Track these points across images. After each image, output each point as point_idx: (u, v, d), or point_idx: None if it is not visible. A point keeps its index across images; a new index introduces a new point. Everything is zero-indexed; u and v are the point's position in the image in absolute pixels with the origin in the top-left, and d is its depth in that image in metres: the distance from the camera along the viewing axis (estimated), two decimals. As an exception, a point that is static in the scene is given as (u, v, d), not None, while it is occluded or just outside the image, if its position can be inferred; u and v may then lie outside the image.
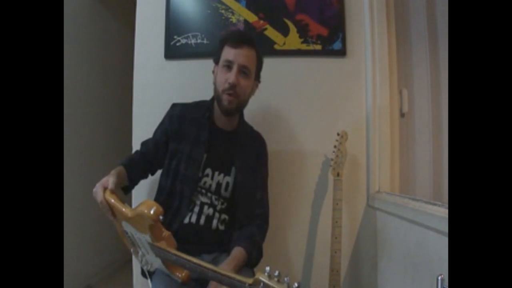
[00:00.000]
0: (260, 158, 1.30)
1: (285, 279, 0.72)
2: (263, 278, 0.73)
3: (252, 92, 1.25)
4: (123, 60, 2.65)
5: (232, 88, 1.15)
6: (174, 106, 1.28)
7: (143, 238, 1.01)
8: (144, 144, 1.29)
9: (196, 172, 1.18)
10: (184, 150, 1.20)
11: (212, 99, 1.25)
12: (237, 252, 1.09)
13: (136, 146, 1.50)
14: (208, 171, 1.20)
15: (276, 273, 0.73)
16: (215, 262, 1.15)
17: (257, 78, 1.26)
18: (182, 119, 1.23)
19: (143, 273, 1.18)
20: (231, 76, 1.14)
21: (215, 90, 1.21)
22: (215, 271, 0.86)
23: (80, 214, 2.43)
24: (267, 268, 0.74)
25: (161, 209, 0.95)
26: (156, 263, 1.05)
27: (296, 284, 0.70)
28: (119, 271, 2.92)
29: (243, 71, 1.16)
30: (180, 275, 1.01)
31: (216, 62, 1.22)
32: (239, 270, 1.06)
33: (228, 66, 1.16)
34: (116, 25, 3.05)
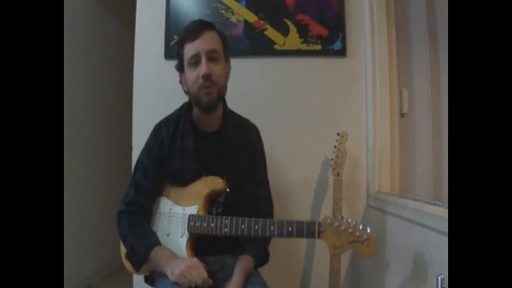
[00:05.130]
0: (254, 152, 1.21)
1: (348, 220, 0.96)
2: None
3: (227, 75, 1.15)
4: (123, 60, 2.66)
5: (207, 79, 1.05)
6: (157, 128, 1.18)
7: (187, 210, 1.08)
8: (138, 196, 1.14)
9: (187, 185, 1.12)
10: (174, 165, 1.13)
11: (190, 105, 1.17)
12: (245, 260, 1.08)
13: (136, 146, 1.50)
14: None
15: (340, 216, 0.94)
16: (220, 263, 1.13)
17: (227, 59, 1.15)
18: (169, 141, 1.14)
19: (146, 280, 1.17)
20: (202, 68, 1.05)
21: (190, 94, 1.12)
22: (274, 225, 0.99)
23: (80, 214, 2.43)
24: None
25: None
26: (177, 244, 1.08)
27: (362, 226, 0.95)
28: (119, 271, 2.92)
29: (211, 56, 1.07)
30: None
31: (180, 68, 1.13)
32: (248, 276, 1.06)
33: (195, 62, 1.07)
34: (116, 25, 3.05)
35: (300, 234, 0.97)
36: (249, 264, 1.08)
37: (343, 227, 0.96)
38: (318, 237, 0.97)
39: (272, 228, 0.98)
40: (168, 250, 1.05)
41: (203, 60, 1.06)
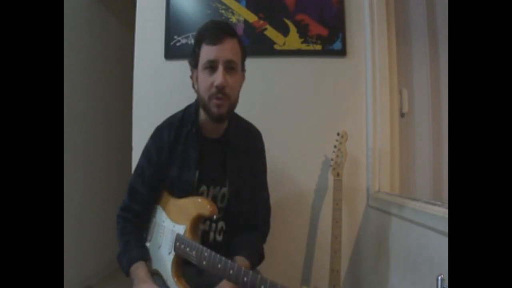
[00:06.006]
0: (257, 157, 1.20)
1: None
2: None
3: (240, 87, 1.11)
4: (123, 60, 2.66)
5: (221, 91, 1.01)
6: (158, 132, 1.15)
7: (176, 228, 1.04)
8: (132, 202, 1.13)
9: (189, 195, 1.09)
10: (175, 173, 1.10)
11: (197, 104, 1.13)
12: (239, 262, 1.04)
13: (136, 146, 1.50)
14: (203, 188, 1.12)
15: None
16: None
17: (243, 69, 1.11)
18: (170, 145, 1.11)
19: None
20: (218, 77, 1.00)
21: (200, 98, 1.07)
22: (248, 276, 0.87)
23: (80, 214, 2.43)
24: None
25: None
26: (162, 265, 1.05)
27: None
28: (119, 271, 2.91)
29: (229, 66, 1.02)
30: None
31: (194, 65, 1.07)
32: None
33: (211, 67, 1.01)
34: (116, 25, 3.05)
35: None
36: (243, 265, 1.04)
37: None
38: None
39: (245, 279, 0.88)
40: (144, 269, 1.03)
41: (220, 69, 1.01)
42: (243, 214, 1.15)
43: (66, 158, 2.03)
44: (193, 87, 1.12)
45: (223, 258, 0.93)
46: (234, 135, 1.15)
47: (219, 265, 0.92)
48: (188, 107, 1.18)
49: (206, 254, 0.95)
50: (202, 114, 1.11)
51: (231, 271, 0.90)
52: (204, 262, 0.95)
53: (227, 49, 1.02)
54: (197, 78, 1.07)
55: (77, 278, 2.41)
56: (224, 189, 1.14)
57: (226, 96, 1.03)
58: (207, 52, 1.02)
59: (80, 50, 2.49)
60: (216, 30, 1.04)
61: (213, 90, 1.01)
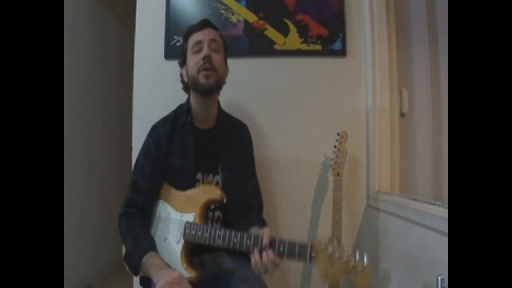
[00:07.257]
0: (245, 148, 1.28)
1: (344, 246, 0.89)
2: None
3: (226, 70, 1.22)
4: (123, 60, 2.66)
5: (208, 60, 1.12)
6: (154, 128, 1.22)
7: (184, 217, 1.08)
8: (136, 196, 1.15)
9: (188, 182, 1.15)
10: (174, 163, 1.16)
11: (188, 101, 1.22)
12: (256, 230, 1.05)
13: (136, 146, 1.50)
14: (199, 176, 1.18)
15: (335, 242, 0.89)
16: (215, 260, 1.16)
17: (225, 63, 1.23)
18: (167, 139, 1.17)
19: (141, 283, 1.17)
20: (204, 50, 1.13)
21: (190, 78, 1.16)
22: (269, 239, 0.94)
23: (80, 214, 2.43)
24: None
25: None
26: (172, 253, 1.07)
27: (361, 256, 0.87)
28: (119, 271, 2.92)
29: (213, 47, 1.16)
30: (190, 274, 1.02)
31: (184, 61, 1.21)
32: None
33: (198, 49, 1.15)
34: (116, 25, 3.05)
35: (291, 256, 0.93)
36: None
37: (337, 254, 0.88)
38: (310, 262, 0.91)
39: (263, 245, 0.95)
40: (159, 258, 1.04)
41: (205, 45, 1.14)
42: (237, 203, 1.19)
43: (66, 157, 2.03)
44: (182, 84, 1.24)
45: (239, 232, 0.99)
46: (224, 126, 1.24)
47: (235, 240, 0.98)
48: (180, 106, 1.25)
49: (220, 233, 1.01)
50: (193, 103, 1.19)
51: (248, 242, 0.97)
52: (218, 241, 1.01)
53: (211, 34, 1.18)
54: (186, 69, 1.19)
55: (77, 278, 2.41)
56: (217, 177, 1.19)
57: (213, 68, 1.13)
58: (194, 38, 1.17)
59: (80, 50, 2.49)
60: (200, 22, 1.20)
61: (201, 62, 1.13)
